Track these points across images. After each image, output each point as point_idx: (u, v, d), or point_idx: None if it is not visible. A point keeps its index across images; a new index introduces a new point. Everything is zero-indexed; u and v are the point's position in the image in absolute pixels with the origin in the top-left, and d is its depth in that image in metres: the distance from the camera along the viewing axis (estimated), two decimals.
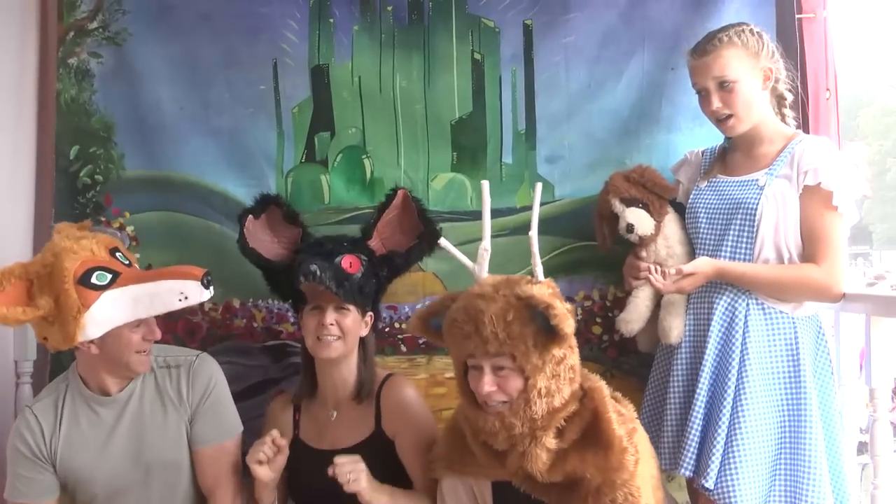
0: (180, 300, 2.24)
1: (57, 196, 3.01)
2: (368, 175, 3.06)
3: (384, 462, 2.41)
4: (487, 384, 2.07)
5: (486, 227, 2.17)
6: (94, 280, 2.20)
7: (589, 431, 2.09)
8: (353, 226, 2.76)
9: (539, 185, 2.21)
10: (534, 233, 2.16)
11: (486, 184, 2.16)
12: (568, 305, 2.06)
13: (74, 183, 3.01)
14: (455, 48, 3.05)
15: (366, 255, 2.54)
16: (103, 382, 2.38)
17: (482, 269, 2.18)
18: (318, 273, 2.35)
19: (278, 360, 3.01)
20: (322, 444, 2.50)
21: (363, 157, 3.06)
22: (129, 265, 2.33)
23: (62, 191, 3.01)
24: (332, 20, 3.04)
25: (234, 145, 3.04)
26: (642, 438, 2.15)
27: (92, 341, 2.24)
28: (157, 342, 2.38)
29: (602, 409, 2.10)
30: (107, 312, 2.20)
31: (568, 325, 2.00)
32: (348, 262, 2.46)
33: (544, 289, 2.07)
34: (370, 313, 2.55)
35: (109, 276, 2.22)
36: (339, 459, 2.31)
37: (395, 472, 2.44)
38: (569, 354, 2.10)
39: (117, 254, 2.31)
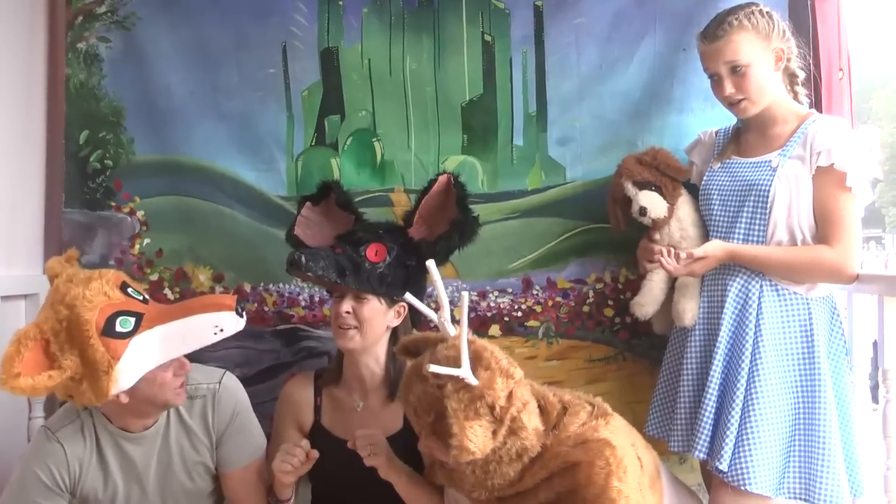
0: (216, 333, 2.10)
1: (67, 181, 3.01)
2: (379, 158, 3.05)
3: (409, 460, 2.40)
4: (421, 445, 2.10)
5: (443, 296, 2.05)
6: (118, 328, 2.03)
7: (552, 468, 2.04)
8: (364, 209, 2.74)
9: (466, 295, 2.02)
10: (463, 336, 1.96)
11: (431, 263, 2.05)
12: (502, 403, 1.94)
13: (84, 168, 3.01)
14: (465, 30, 3.03)
15: (398, 243, 2.51)
16: (127, 422, 2.28)
17: (445, 331, 2.06)
18: (304, 261, 2.34)
19: (290, 345, 3.02)
20: (344, 433, 2.46)
21: (373, 139, 3.05)
22: (145, 299, 2.18)
23: (72, 176, 3.01)
24: (341, 3, 3.03)
25: (244, 129, 3.03)
26: (622, 448, 2.05)
27: (122, 391, 2.08)
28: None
29: (560, 445, 2.04)
30: (138, 360, 2.05)
31: (466, 455, 1.87)
32: (374, 251, 2.46)
33: (468, 396, 1.92)
34: (402, 304, 2.50)
35: (133, 320, 2.06)
36: (361, 432, 2.32)
37: (419, 470, 2.42)
38: (511, 442, 2.00)
39: (129, 290, 2.15)
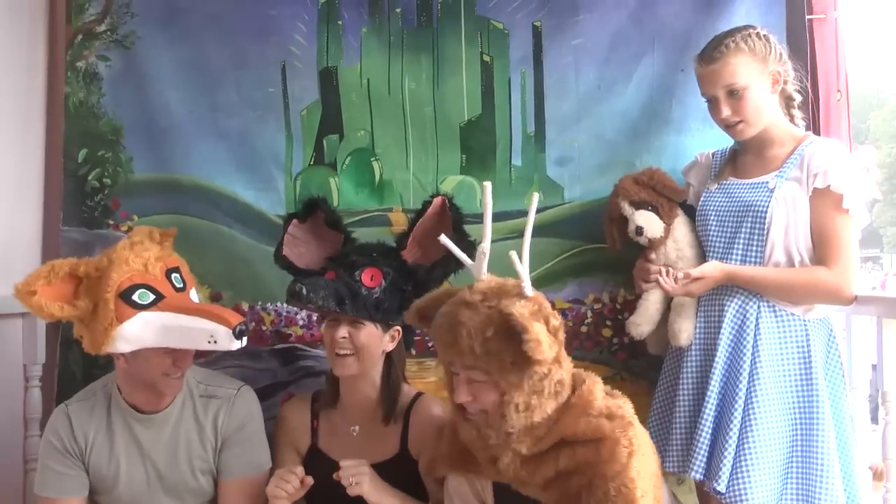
0: (209, 342, 2.19)
1: (65, 199, 3.01)
2: (377, 178, 3.05)
3: (406, 484, 2.38)
4: (462, 395, 2.08)
5: (487, 228, 2.10)
6: (135, 297, 2.18)
7: (578, 430, 2.05)
8: (363, 229, 2.75)
9: (536, 196, 2.16)
10: (526, 246, 2.10)
11: (488, 185, 2.09)
12: (556, 322, 2.03)
13: (83, 186, 3.01)
14: (464, 50, 3.04)
15: (393, 266, 2.48)
16: (136, 398, 2.38)
17: (480, 271, 2.11)
18: (306, 293, 2.32)
19: (287, 364, 3.00)
20: (340, 456, 2.41)
21: (372, 159, 3.05)
22: (183, 288, 2.30)
23: (71, 194, 3.01)
24: (340, 22, 3.04)
25: (243, 148, 3.04)
26: (641, 434, 2.08)
27: (122, 354, 2.23)
28: (201, 366, 2.46)
29: (589, 406, 2.06)
30: (137, 332, 2.18)
31: (541, 350, 1.92)
32: (369, 276, 2.42)
33: (529, 306, 1.99)
34: (397, 328, 2.49)
35: (152, 297, 2.20)
36: (344, 462, 2.30)
37: (417, 494, 2.41)
38: (555, 370, 2.03)
39: (174, 275, 2.29)
